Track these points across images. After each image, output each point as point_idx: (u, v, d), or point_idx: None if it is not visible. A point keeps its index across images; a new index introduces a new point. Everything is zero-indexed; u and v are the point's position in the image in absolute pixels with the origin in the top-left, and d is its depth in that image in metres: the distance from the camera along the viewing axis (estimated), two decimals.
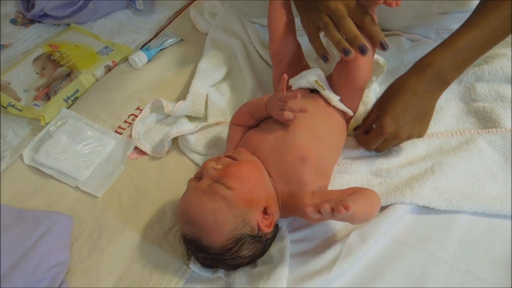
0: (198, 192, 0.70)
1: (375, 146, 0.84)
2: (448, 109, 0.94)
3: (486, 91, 0.94)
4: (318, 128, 0.80)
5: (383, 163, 0.86)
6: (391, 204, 0.80)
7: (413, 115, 0.80)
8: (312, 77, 0.83)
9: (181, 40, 1.20)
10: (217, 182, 0.69)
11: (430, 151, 0.87)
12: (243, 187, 0.70)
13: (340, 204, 0.62)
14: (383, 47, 0.74)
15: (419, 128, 0.82)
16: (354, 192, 0.73)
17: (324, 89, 0.82)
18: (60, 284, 0.73)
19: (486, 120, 0.90)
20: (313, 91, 0.85)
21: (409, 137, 0.82)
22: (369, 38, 0.75)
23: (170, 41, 1.18)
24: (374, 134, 0.83)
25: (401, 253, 0.75)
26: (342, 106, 0.83)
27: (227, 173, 0.71)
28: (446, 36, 1.05)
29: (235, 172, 0.71)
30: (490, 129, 0.83)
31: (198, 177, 0.73)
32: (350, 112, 0.84)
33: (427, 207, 0.79)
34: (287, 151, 0.76)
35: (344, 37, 0.74)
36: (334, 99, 0.82)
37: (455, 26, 1.03)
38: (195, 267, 0.75)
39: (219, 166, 0.72)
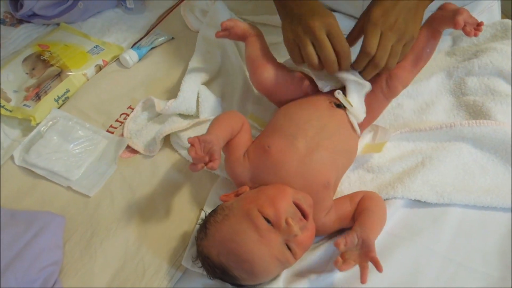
0: (270, 250, 0.66)
1: (374, 47, 0.76)
2: (439, 103, 0.94)
3: (477, 85, 0.94)
4: (339, 150, 0.79)
5: (375, 159, 0.86)
6: (384, 200, 0.80)
7: (404, 8, 0.77)
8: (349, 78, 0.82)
9: (172, 38, 1.20)
10: (288, 246, 0.67)
11: (420, 145, 0.87)
12: (302, 255, 0.71)
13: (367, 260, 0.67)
14: None
15: (412, 22, 0.78)
16: (364, 210, 0.74)
17: (352, 106, 0.82)
18: (54, 284, 0.73)
19: (476, 114, 0.90)
20: (340, 106, 0.83)
21: (405, 30, 0.77)
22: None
23: (161, 39, 1.18)
24: (368, 29, 0.77)
25: (394, 246, 0.75)
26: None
27: (302, 244, 0.69)
28: None
29: (308, 244, 0.71)
30: (480, 121, 0.84)
31: (271, 220, 0.67)
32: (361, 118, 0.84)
33: (419, 201, 0.79)
34: (312, 177, 0.74)
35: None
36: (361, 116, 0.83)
37: None
38: (188, 264, 0.75)
39: (299, 233, 0.67)
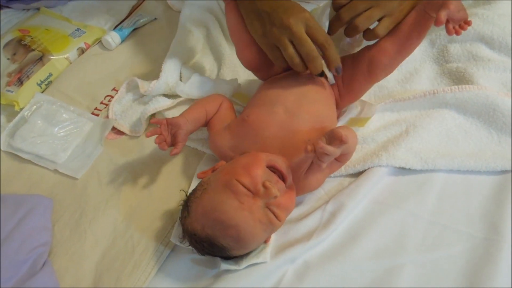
0: (252, 214, 0.66)
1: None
2: (423, 71, 0.94)
3: (459, 52, 0.94)
4: (319, 116, 0.78)
5: (359, 130, 0.87)
6: (369, 168, 0.81)
7: None
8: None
9: (155, 19, 1.19)
10: (269, 209, 0.67)
11: (404, 114, 0.88)
12: (286, 217, 0.71)
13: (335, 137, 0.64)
14: (337, 71, 0.77)
15: None
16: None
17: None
18: (43, 264, 0.74)
19: (459, 80, 0.90)
20: (321, 75, 0.81)
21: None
22: (326, 62, 0.75)
23: (143, 20, 1.17)
24: None
25: (380, 213, 0.76)
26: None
27: (283, 205, 0.69)
28: None
29: (289, 206, 0.71)
30: (462, 86, 0.84)
31: (249, 187, 0.67)
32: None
33: (403, 168, 0.80)
34: (293, 135, 0.75)
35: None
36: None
37: None
38: (176, 241, 0.75)
39: (278, 193, 0.67)
